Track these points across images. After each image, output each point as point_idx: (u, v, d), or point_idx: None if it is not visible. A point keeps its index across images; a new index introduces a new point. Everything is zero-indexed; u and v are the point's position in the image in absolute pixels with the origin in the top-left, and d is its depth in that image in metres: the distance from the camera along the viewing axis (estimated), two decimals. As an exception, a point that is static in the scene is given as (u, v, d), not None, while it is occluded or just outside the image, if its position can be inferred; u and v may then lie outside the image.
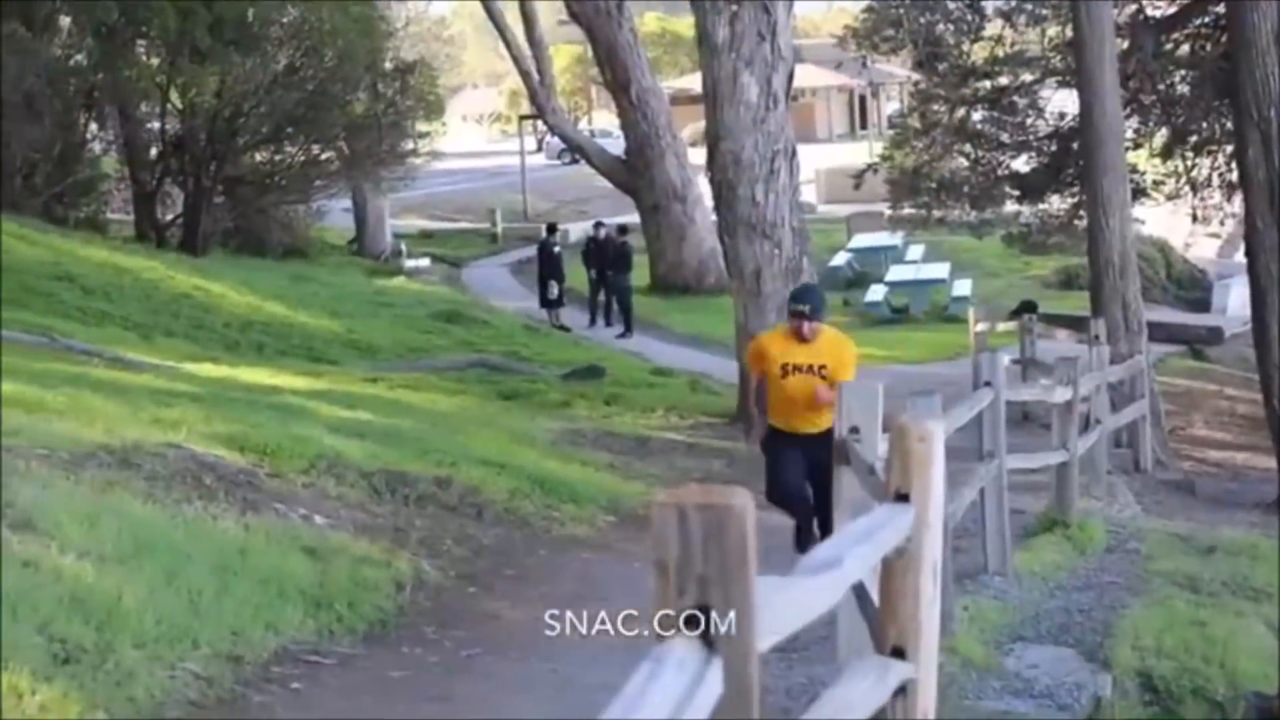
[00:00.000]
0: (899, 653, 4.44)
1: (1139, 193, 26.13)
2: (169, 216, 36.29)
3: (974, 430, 10.29)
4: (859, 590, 5.02)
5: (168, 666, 6.80)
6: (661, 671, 2.77)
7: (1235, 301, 36.94)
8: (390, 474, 11.15)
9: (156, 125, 36.48)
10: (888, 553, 4.38)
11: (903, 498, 4.50)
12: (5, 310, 20.48)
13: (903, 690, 4.42)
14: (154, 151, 36.52)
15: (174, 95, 35.06)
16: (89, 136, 36.10)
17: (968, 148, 29.26)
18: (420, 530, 10.11)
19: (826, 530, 8.85)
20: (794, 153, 17.07)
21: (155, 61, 35.47)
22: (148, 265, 27.24)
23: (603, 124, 69.37)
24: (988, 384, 10.37)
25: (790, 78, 17.24)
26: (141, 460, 9.77)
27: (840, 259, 42.08)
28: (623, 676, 2.78)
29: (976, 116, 29.26)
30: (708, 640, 2.93)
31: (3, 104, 30.76)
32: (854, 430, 7.27)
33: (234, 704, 6.79)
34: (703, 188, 28.63)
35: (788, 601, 3.33)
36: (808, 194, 37.46)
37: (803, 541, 9.85)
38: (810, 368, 10.03)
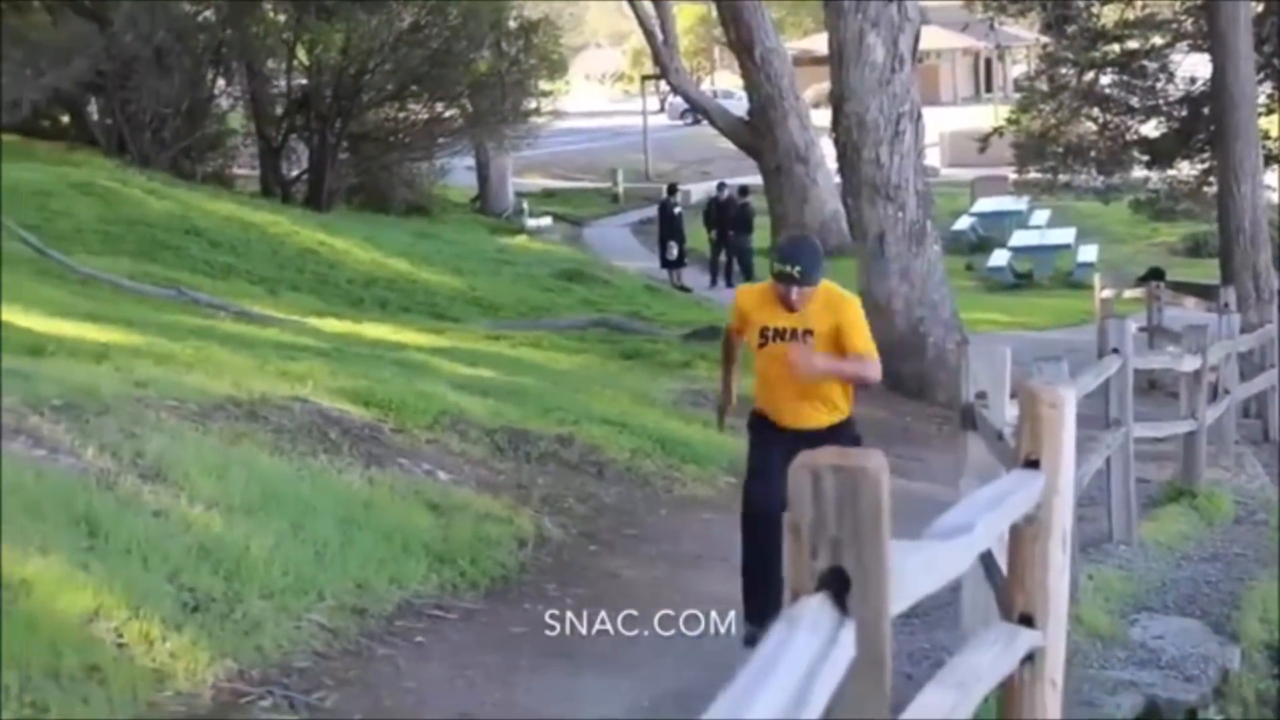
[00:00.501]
0: (1027, 620, 4.40)
1: (1271, 159, 25.74)
2: (294, 172, 36.64)
3: (1100, 398, 10.16)
4: (986, 557, 4.98)
5: (294, 617, 6.88)
6: (795, 633, 2.76)
7: (1368, 271, 36.31)
8: (513, 431, 11.19)
9: (283, 82, 36.82)
10: (1017, 519, 4.34)
11: (1033, 464, 4.45)
12: (135, 263, 20.81)
13: (1030, 658, 4.39)
14: (280, 108, 36.86)
15: (300, 52, 35.34)
16: (216, 92, 36.50)
17: (1095, 112, 28.97)
18: (542, 488, 10.15)
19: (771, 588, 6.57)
20: (919, 115, 16.91)
21: (282, 18, 35.76)
22: (273, 220, 27.50)
23: (725, 85, 69.06)
24: (1115, 351, 10.22)
25: (916, 39, 17.06)
26: (268, 413, 9.87)
27: (964, 223, 41.77)
28: (753, 637, 2.76)
29: (1105, 80, 28.95)
30: (841, 603, 2.92)
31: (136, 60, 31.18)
32: (980, 395, 7.21)
33: (359, 655, 6.86)
34: (825, 150, 28.46)
35: (920, 565, 3.31)
36: (932, 157, 37.14)
37: (751, 594, 7.06)
38: (795, 333, 7.45)
